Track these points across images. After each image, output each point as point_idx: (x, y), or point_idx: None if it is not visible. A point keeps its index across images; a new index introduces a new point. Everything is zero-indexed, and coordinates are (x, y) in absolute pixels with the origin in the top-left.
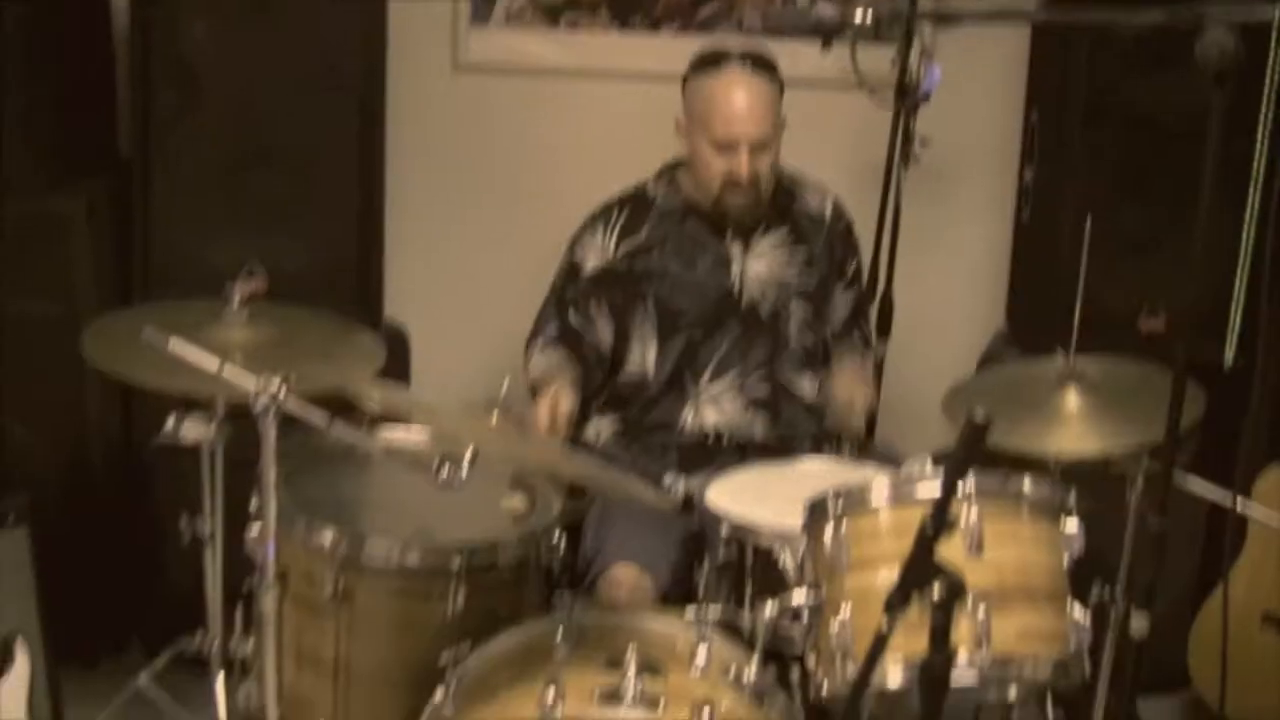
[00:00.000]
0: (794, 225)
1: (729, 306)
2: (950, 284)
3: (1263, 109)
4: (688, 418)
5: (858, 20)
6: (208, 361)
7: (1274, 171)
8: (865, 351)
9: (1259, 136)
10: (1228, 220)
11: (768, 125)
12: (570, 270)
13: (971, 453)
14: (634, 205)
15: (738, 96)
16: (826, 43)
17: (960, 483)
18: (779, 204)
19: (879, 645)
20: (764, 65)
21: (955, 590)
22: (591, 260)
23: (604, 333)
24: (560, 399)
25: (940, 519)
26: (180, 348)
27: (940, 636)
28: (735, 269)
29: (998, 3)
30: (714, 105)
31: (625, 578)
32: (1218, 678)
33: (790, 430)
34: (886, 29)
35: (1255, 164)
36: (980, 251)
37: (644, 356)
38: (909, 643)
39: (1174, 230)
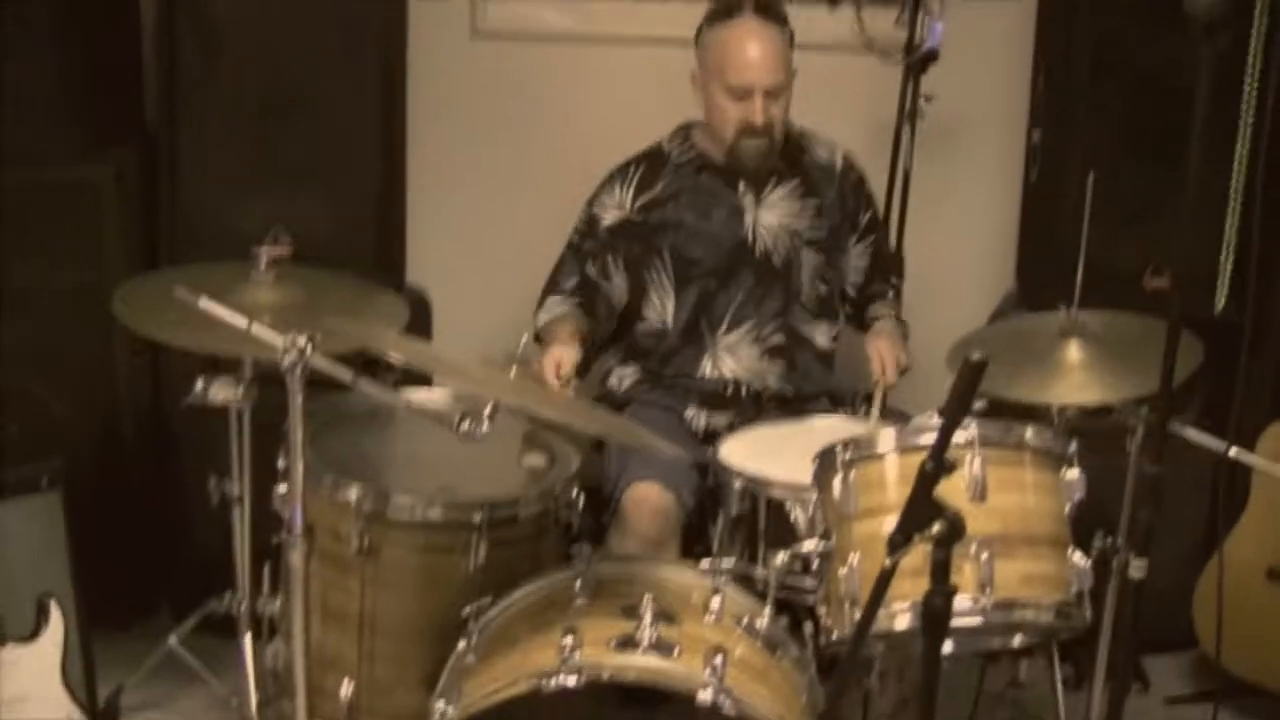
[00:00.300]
0: (805, 177)
1: (743, 256)
2: (961, 244)
3: (1249, 59)
4: (706, 368)
5: None
6: (237, 319)
7: (1261, 121)
8: (896, 304)
9: (1246, 86)
10: (1227, 174)
11: (781, 72)
12: (588, 224)
13: (969, 391)
14: (650, 161)
15: (751, 44)
16: (833, 2)
17: (960, 422)
18: (790, 156)
19: (883, 582)
20: (775, 14)
21: (955, 527)
22: (609, 215)
23: (619, 286)
24: (563, 358)
25: (940, 457)
26: (210, 305)
27: (940, 572)
28: (748, 219)
29: None
30: (728, 54)
31: (649, 495)
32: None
33: (805, 379)
34: None
35: (1243, 112)
36: (990, 212)
37: (663, 307)
38: (916, 588)
39: (1180, 190)
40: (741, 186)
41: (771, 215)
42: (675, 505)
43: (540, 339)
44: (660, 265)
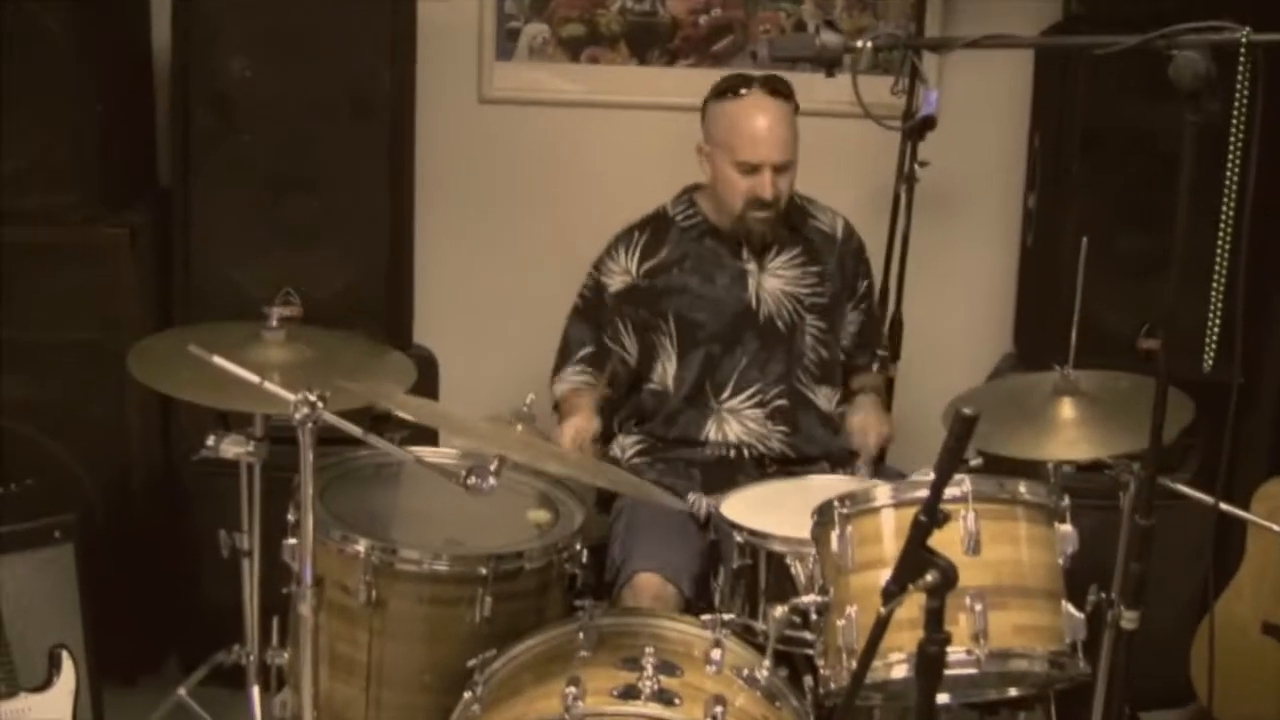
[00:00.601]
0: (807, 244)
1: (747, 321)
2: (960, 307)
3: (1233, 123)
4: (710, 431)
5: (859, 46)
6: (249, 376)
7: (1245, 184)
8: (879, 375)
9: (1230, 149)
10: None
11: (789, 147)
12: (594, 290)
13: (960, 444)
14: (654, 226)
15: (760, 121)
16: (830, 71)
17: (952, 475)
18: (792, 223)
19: (879, 629)
20: (783, 90)
21: (948, 576)
22: (615, 281)
23: (630, 350)
24: (581, 429)
25: (933, 509)
26: (224, 363)
27: (934, 621)
28: (752, 284)
29: (991, 29)
30: (738, 130)
31: (649, 586)
32: (1217, 687)
33: (808, 441)
34: (885, 57)
35: (1227, 176)
36: (988, 275)
37: (665, 370)
38: (913, 640)
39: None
40: (745, 253)
41: (775, 281)
42: (676, 596)
43: (559, 409)
44: (665, 329)
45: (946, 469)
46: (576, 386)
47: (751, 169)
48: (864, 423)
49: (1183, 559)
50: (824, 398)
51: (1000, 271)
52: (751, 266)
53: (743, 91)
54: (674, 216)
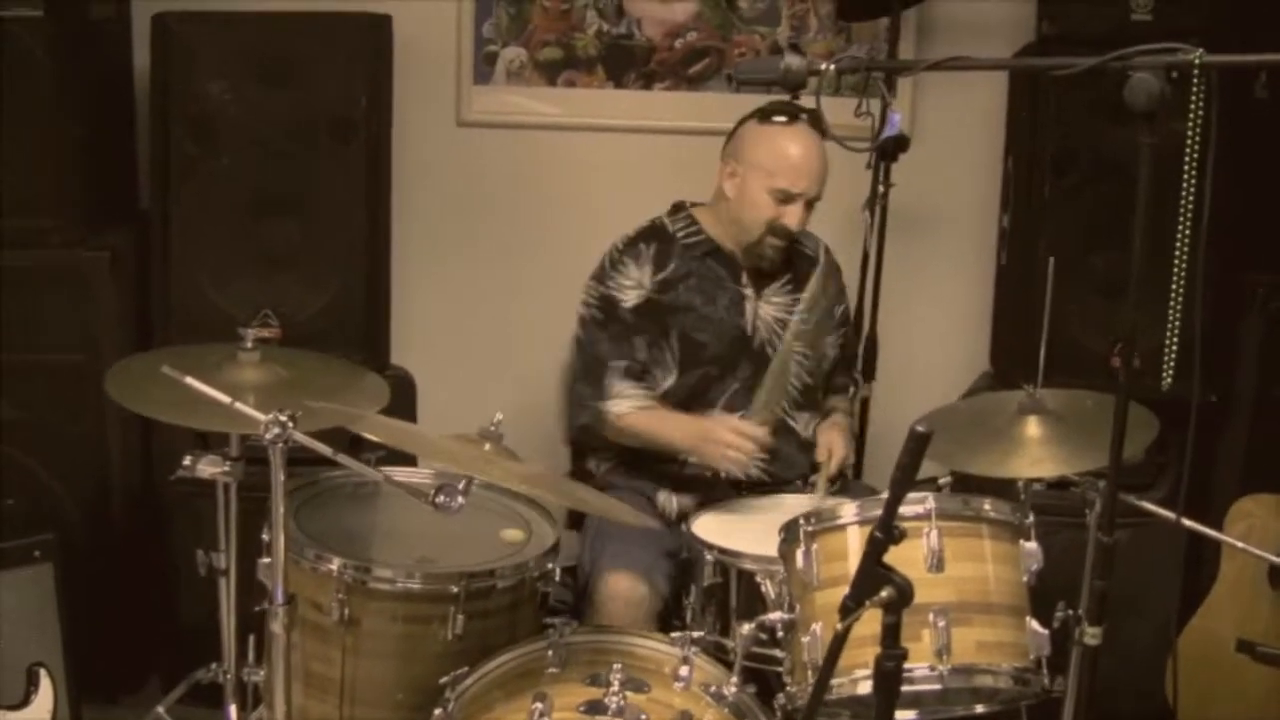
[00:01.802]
0: (795, 271)
1: (743, 346)
2: (937, 327)
3: (1188, 143)
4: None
5: (824, 69)
6: (220, 396)
7: (1201, 203)
8: (853, 402)
9: (1185, 168)
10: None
11: (824, 183)
12: (608, 304)
13: (915, 461)
14: (659, 240)
15: (806, 152)
16: (795, 94)
17: (906, 491)
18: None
19: (837, 646)
20: (823, 128)
21: (903, 593)
22: (629, 295)
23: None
24: (737, 421)
25: (888, 525)
26: (195, 383)
27: (890, 636)
28: (749, 310)
29: (965, 51)
30: (782, 157)
31: (621, 585)
32: (1193, 704)
33: (786, 466)
34: (851, 80)
35: (1183, 195)
36: (965, 295)
37: (662, 385)
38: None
39: (1144, 271)
40: (744, 277)
41: (768, 308)
42: (649, 594)
43: (622, 429)
44: (668, 345)
45: (901, 485)
46: (644, 404)
47: (787, 198)
48: (830, 441)
49: (1159, 577)
50: (803, 424)
51: (977, 291)
52: (749, 292)
53: (790, 120)
54: (675, 232)
